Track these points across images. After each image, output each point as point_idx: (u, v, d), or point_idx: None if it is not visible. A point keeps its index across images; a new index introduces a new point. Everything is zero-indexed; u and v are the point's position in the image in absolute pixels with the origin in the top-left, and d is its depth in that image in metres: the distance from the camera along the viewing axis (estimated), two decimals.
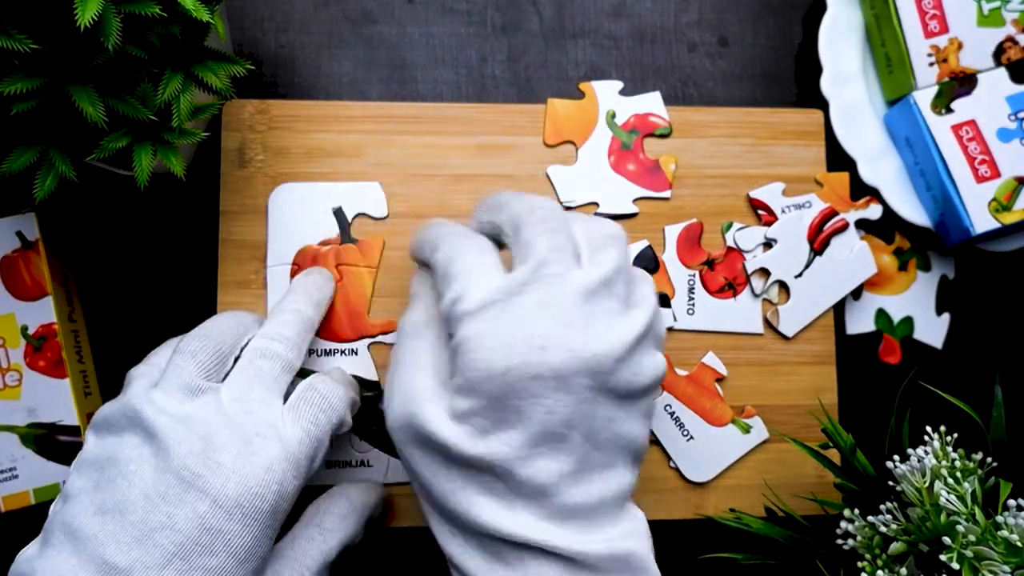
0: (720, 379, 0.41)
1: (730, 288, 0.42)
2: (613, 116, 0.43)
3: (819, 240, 0.42)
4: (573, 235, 0.31)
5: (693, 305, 0.42)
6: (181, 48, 0.32)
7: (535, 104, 0.43)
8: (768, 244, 0.42)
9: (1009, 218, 0.40)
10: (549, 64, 0.44)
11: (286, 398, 0.33)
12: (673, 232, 0.42)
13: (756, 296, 0.42)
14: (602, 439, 0.29)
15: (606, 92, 0.43)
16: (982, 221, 0.40)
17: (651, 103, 0.43)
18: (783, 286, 0.42)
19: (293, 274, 0.40)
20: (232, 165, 0.40)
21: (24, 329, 0.37)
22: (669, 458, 0.41)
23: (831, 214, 0.42)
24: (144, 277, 0.41)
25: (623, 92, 0.43)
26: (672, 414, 0.41)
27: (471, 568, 0.30)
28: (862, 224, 0.43)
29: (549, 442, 0.28)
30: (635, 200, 0.42)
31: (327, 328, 0.40)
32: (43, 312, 0.38)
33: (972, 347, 0.45)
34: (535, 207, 0.31)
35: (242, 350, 0.34)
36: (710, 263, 0.42)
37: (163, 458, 0.29)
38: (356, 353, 0.40)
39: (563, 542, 0.28)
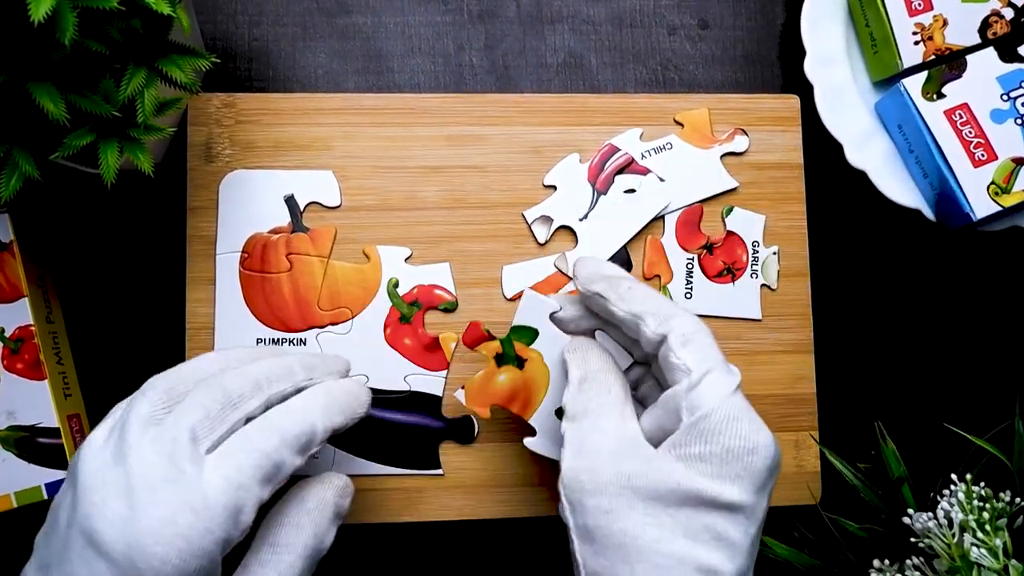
0: None
1: (728, 273, 0.41)
2: (396, 285, 0.40)
3: (601, 180, 0.41)
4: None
5: (691, 289, 0.41)
6: (143, 42, 0.31)
7: (506, 93, 0.42)
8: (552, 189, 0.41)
9: (1009, 200, 0.39)
10: (527, 51, 0.44)
11: None
12: (672, 215, 0.41)
13: (541, 245, 0.41)
14: None
15: (391, 258, 0.40)
16: (983, 206, 0.39)
17: (439, 274, 0.40)
18: (569, 230, 0.41)
19: (243, 262, 0.39)
20: (199, 160, 0.40)
21: (1, 331, 0.37)
22: None
23: (611, 153, 0.41)
24: (122, 275, 0.41)
25: (410, 260, 0.40)
26: None
27: None
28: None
29: None
30: (407, 376, 0.39)
31: (276, 317, 0.39)
32: (20, 314, 0.37)
33: (990, 377, 0.44)
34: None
35: None
36: (709, 247, 0.41)
37: (73, 507, 0.26)
38: (304, 343, 0.39)
39: None
